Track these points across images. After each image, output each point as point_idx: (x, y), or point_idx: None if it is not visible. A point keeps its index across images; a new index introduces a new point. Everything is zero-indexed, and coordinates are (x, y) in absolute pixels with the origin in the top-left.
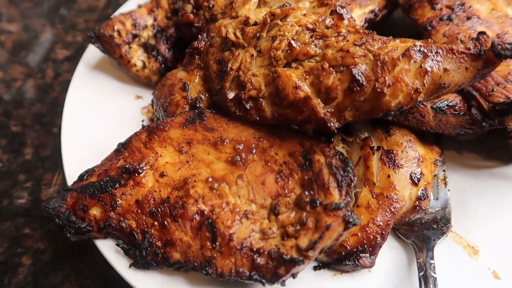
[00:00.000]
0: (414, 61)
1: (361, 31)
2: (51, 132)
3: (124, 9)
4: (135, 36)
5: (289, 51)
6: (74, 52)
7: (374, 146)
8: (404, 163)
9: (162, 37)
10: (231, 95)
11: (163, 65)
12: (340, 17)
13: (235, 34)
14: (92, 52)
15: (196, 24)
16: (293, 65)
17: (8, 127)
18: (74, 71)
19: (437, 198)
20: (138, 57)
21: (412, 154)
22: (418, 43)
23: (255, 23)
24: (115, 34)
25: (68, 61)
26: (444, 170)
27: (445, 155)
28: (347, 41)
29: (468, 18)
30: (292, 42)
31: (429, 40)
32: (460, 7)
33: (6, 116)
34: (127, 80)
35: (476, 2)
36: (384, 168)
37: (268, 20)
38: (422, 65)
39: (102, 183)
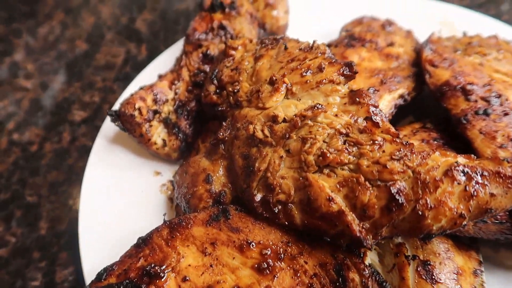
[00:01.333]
0: (458, 183)
1: (397, 140)
2: (66, 204)
3: (142, 74)
4: (155, 112)
5: (321, 158)
6: (91, 114)
7: (409, 255)
8: (442, 278)
9: (183, 112)
10: (258, 197)
11: (183, 143)
12: (375, 125)
13: (263, 131)
14: (110, 124)
15: (219, 108)
16: (325, 171)
17: (24, 197)
18: (90, 134)
19: None
20: (158, 134)
21: (451, 266)
22: (460, 160)
23: (284, 120)
24: (136, 113)
25: (85, 124)
26: (482, 272)
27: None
28: (383, 151)
29: (506, 114)
30: (325, 149)
31: (472, 156)
32: (496, 99)
33: (21, 184)
34: (145, 155)
35: None
36: (421, 282)
37: (299, 123)
38: (467, 188)
39: (122, 287)
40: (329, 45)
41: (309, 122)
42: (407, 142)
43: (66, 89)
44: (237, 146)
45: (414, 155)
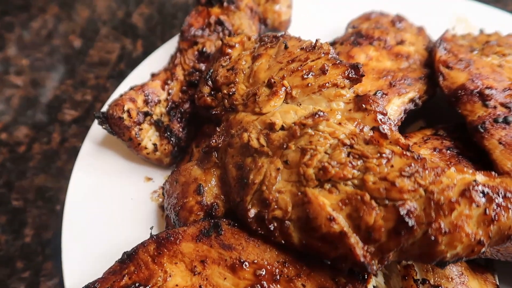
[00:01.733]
0: (477, 205)
1: (408, 153)
2: (53, 210)
3: (136, 72)
4: (146, 114)
5: (322, 172)
6: (82, 113)
7: (418, 279)
8: None
9: (176, 114)
10: (252, 212)
11: (176, 148)
12: (383, 135)
13: (258, 140)
14: (99, 126)
15: (213, 112)
16: (326, 186)
17: (9, 202)
18: (81, 135)
19: None
20: (149, 138)
21: None
22: (479, 178)
23: (282, 128)
24: (125, 116)
25: (76, 124)
26: None
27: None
28: (392, 166)
29: None
30: (326, 162)
31: (492, 173)
32: None
33: (7, 187)
34: (136, 159)
35: None
36: None
37: (298, 132)
38: (487, 211)
39: None
40: (334, 43)
41: (310, 131)
42: (418, 156)
43: (58, 86)
44: (231, 154)
45: (427, 172)
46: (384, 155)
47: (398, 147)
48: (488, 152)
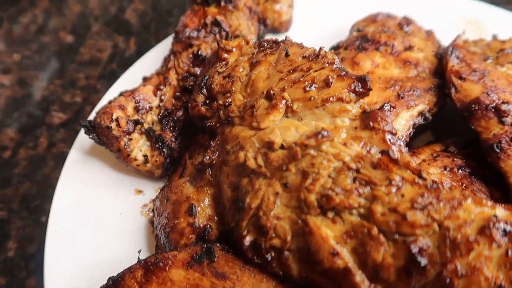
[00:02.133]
0: (498, 246)
1: (420, 181)
2: (38, 222)
3: (128, 74)
4: (137, 122)
5: (325, 199)
6: (72, 116)
7: None
8: None
9: (169, 123)
10: (248, 240)
11: (168, 159)
12: (392, 160)
13: (256, 160)
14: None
15: (208, 123)
16: (329, 214)
17: None
18: (69, 140)
19: None
20: (139, 148)
21: None
22: (500, 213)
23: (282, 146)
24: (113, 125)
25: (64, 128)
26: None
27: None
28: (402, 195)
29: None
30: (330, 188)
31: None
32: None
33: None
34: (126, 170)
35: None
36: None
37: (299, 154)
38: (509, 252)
39: None
40: (338, 47)
41: (312, 151)
42: (432, 184)
43: (46, 86)
44: (226, 173)
45: (442, 204)
46: (394, 182)
47: (409, 172)
48: (505, 175)
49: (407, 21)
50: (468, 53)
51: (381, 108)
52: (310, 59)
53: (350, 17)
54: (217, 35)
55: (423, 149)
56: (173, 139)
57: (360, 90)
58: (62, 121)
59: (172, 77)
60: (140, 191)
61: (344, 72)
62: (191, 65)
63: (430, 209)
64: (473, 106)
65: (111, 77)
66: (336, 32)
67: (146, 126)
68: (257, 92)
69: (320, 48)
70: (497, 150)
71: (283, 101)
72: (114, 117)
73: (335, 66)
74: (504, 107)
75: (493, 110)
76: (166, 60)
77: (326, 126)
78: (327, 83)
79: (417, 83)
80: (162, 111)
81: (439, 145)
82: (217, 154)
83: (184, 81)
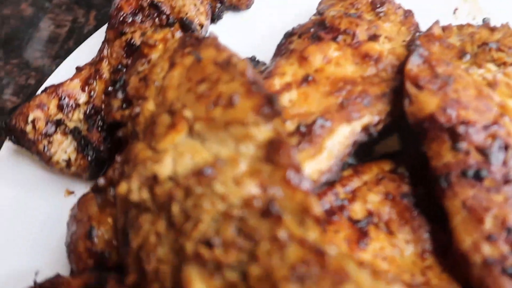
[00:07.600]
0: None
1: (309, 241)
2: None
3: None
4: (59, 123)
5: (203, 249)
6: (25, 100)
7: None
8: None
9: (96, 122)
10: (130, 279)
11: (93, 163)
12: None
13: (140, 192)
14: None
15: (120, 133)
16: (210, 265)
17: None
18: None
19: None
20: (63, 150)
21: None
22: None
23: (171, 178)
24: (28, 128)
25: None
26: None
27: None
28: (283, 258)
29: (507, 182)
30: (210, 240)
31: None
32: (499, 153)
33: None
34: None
35: None
36: None
37: (186, 192)
38: None
39: None
40: (292, 34)
41: (198, 189)
42: (322, 248)
43: (3, 67)
44: (119, 203)
45: (325, 278)
46: (279, 238)
47: (299, 230)
48: (448, 216)
49: (382, 0)
50: (440, 48)
51: (313, 122)
52: (222, 67)
53: None
54: (156, 20)
55: (370, 166)
56: (101, 139)
57: (268, 112)
58: (14, 105)
59: (104, 69)
60: (71, 192)
61: (254, 86)
62: (124, 55)
63: (308, 284)
64: (426, 123)
65: (68, 56)
66: (308, 10)
67: (72, 125)
68: (166, 102)
69: (231, 55)
70: (444, 184)
71: (183, 121)
72: (30, 119)
73: (248, 76)
74: (461, 129)
75: (447, 131)
76: (100, 49)
77: (227, 154)
78: (231, 102)
79: (370, 86)
80: (90, 108)
81: (388, 163)
82: (117, 173)
83: (115, 74)
